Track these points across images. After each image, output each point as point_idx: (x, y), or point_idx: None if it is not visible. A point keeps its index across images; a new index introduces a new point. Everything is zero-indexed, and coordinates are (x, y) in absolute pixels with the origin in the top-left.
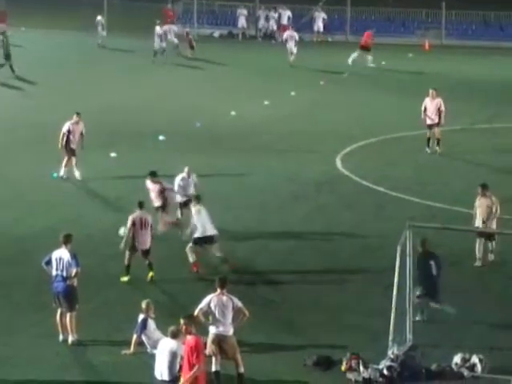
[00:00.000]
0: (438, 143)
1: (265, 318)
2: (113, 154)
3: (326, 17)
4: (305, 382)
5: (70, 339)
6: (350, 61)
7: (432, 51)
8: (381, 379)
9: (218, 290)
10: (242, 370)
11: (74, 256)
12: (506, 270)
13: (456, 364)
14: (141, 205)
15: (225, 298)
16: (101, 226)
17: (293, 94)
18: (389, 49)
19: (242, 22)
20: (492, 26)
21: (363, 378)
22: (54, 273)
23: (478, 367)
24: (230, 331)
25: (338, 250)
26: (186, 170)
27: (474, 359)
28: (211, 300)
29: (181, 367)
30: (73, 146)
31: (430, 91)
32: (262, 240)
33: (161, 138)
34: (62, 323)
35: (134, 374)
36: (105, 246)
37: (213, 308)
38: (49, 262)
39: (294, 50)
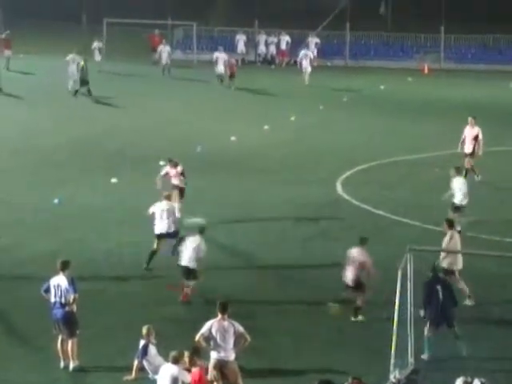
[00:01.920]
0: (473, 171)
1: (266, 344)
2: (113, 180)
3: (319, 41)
4: None
5: (72, 365)
6: None
7: (431, 75)
8: None
9: (219, 315)
10: None
11: (71, 282)
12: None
13: None
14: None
15: (226, 322)
16: (103, 250)
17: (292, 118)
18: (388, 73)
19: (241, 47)
20: (491, 50)
21: None
22: (52, 300)
23: None
24: (232, 356)
25: (339, 274)
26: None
27: (477, 382)
28: (212, 325)
29: None
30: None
31: (469, 119)
32: (262, 265)
33: (162, 163)
34: (62, 350)
35: None
36: (106, 269)
37: (214, 333)
38: (48, 290)
39: (309, 69)
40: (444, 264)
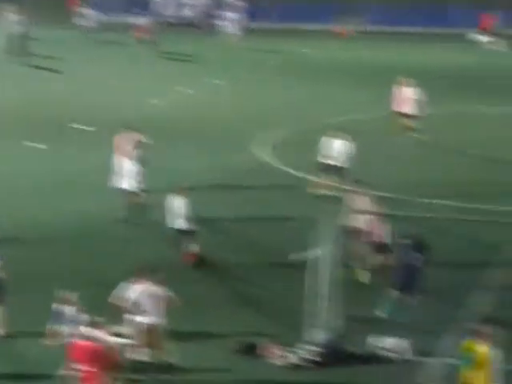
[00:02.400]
0: (411, 130)
1: (191, 307)
2: (30, 144)
3: (245, 4)
4: (228, 369)
5: (1, 332)
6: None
7: (356, 38)
8: (307, 364)
9: (146, 279)
10: (169, 358)
11: None
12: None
13: (384, 348)
14: None
15: (153, 287)
16: (31, 215)
17: (217, 82)
18: (313, 36)
19: (162, 8)
20: (415, 12)
21: (287, 363)
22: None
23: (405, 350)
24: (158, 320)
25: (262, 237)
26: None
27: (402, 343)
28: (139, 289)
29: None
30: None
31: (404, 80)
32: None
33: (78, 126)
34: None
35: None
36: (33, 235)
37: (141, 297)
38: None
39: (235, 32)
40: (349, 222)
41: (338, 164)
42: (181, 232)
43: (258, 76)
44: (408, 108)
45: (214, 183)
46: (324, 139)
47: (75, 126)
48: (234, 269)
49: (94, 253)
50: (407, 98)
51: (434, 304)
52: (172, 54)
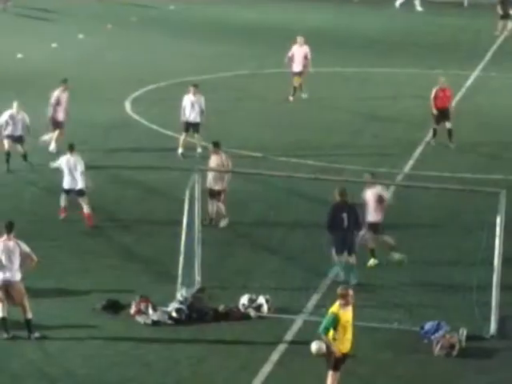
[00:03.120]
0: (300, 88)
1: (53, 263)
2: None
3: None
4: (93, 326)
5: None
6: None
7: None
8: (169, 321)
9: (5, 236)
10: (29, 315)
11: None
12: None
13: (243, 305)
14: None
15: (11, 243)
16: None
17: (80, 36)
18: None
19: None
20: None
21: (152, 321)
22: None
23: (265, 308)
24: (17, 277)
25: (124, 193)
26: (14, 105)
27: (261, 300)
28: None
29: None
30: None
31: (298, 38)
32: (47, 178)
33: None
34: None
35: None
36: None
37: None
38: None
39: None
40: (209, 184)
41: (196, 121)
42: (73, 192)
43: (122, 31)
44: (298, 66)
45: (76, 136)
46: (184, 97)
47: None
48: (96, 222)
49: None
50: (298, 55)
51: (293, 266)
52: (32, 8)
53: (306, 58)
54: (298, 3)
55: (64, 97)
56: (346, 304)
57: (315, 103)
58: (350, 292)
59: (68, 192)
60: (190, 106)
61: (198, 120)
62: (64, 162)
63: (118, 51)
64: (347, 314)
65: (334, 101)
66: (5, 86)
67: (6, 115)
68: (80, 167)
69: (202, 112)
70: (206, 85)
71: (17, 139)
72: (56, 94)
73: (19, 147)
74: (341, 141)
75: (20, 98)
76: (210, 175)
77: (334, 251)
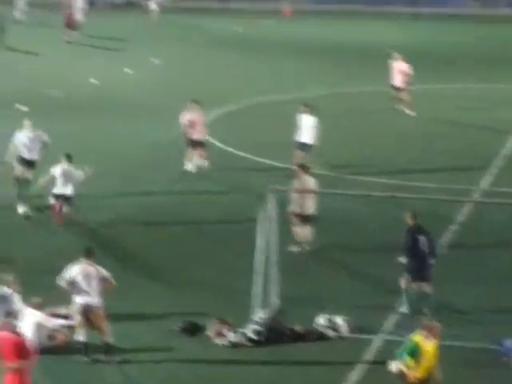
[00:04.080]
0: (408, 106)
1: (130, 287)
2: None
3: None
4: (172, 349)
5: None
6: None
7: (294, 16)
8: (247, 343)
9: (84, 260)
10: (109, 339)
11: None
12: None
13: (321, 325)
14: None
15: (90, 267)
16: None
17: (154, 60)
18: (250, 15)
19: None
20: None
21: (230, 343)
22: None
23: (343, 328)
24: (97, 301)
25: (203, 215)
26: (27, 124)
27: (339, 320)
28: (76, 270)
29: (49, 338)
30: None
31: (395, 55)
32: (124, 207)
33: (19, 107)
34: None
35: None
36: None
37: (78, 278)
38: None
39: (156, 8)
40: (294, 208)
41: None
42: (61, 197)
43: (189, 53)
44: (398, 81)
45: (143, 161)
46: (299, 117)
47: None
48: (165, 246)
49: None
50: (398, 71)
51: (371, 285)
52: (105, 33)
53: (403, 73)
54: (379, 21)
55: (195, 116)
56: (430, 336)
57: (394, 117)
58: (436, 326)
59: (58, 197)
60: (303, 127)
61: (307, 141)
62: (58, 171)
63: (190, 73)
64: (429, 346)
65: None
66: (77, 109)
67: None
68: (75, 177)
69: (311, 133)
70: (287, 104)
71: (30, 164)
72: (187, 114)
73: (29, 173)
74: (413, 156)
75: (92, 120)
76: (301, 199)
77: (406, 278)
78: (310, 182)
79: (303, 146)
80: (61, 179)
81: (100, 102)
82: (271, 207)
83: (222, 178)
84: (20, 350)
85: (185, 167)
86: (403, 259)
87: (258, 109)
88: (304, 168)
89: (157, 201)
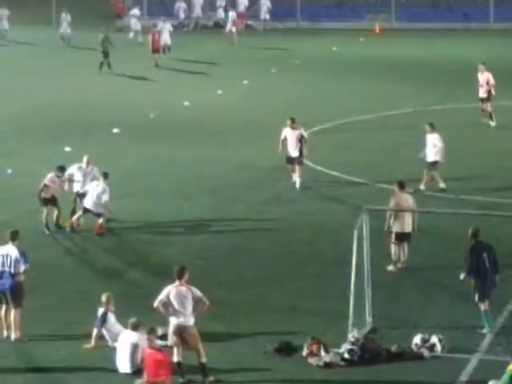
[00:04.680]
0: (490, 116)
1: (225, 307)
2: (67, 149)
3: (270, 5)
4: (266, 369)
5: (14, 336)
6: None
7: (382, 35)
8: (342, 363)
9: (177, 281)
10: (204, 359)
11: (22, 253)
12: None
13: (416, 344)
14: None
15: (184, 288)
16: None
17: (245, 82)
18: (339, 34)
19: (196, 11)
20: (441, 8)
21: (324, 363)
22: None
23: (438, 347)
24: (191, 321)
25: (294, 235)
26: (84, 159)
27: (434, 339)
28: (170, 291)
29: (141, 361)
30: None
31: (479, 66)
32: (216, 228)
33: (115, 130)
34: (5, 320)
35: (94, 367)
36: (60, 240)
37: (172, 299)
38: None
39: (233, 29)
40: (391, 226)
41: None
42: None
43: (286, 74)
44: (484, 93)
45: (240, 183)
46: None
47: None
48: (259, 265)
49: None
50: (483, 83)
51: (465, 303)
52: (198, 57)
53: (488, 83)
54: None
55: (290, 133)
56: None
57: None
58: None
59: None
60: (432, 146)
61: (437, 158)
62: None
63: (282, 94)
64: None
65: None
66: (174, 132)
67: (74, 168)
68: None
69: (436, 150)
70: (372, 123)
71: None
72: (284, 131)
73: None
74: (509, 174)
75: (185, 140)
76: (398, 217)
77: (477, 298)
78: (407, 200)
79: (431, 165)
80: (92, 196)
81: (191, 123)
82: (365, 226)
83: (314, 198)
84: (163, 366)
85: (293, 182)
86: (465, 277)
87: (350, 127)
88: (401, 185)
89: (246, 223)
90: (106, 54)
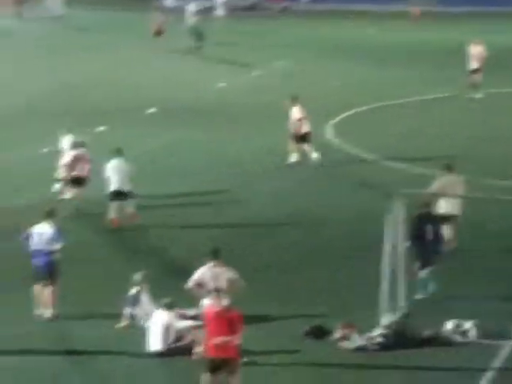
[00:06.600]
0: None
1: (258, 289)
2: (102, 128)
3: None
4: (298, 351)
5: (49, 314)
6: None
7: (423, 18)
8: (373, 347)
9: (212, 262)
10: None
11: (58, 231)
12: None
13: (449, 330)
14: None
15: (219, 269)
16: (91, 202)
17: (280, 63)
18: (378, 17)
19: None
20: None
21: (357, 347)
22: (34, 247)
23: (471, 333)
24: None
25: (327, 220)
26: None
27: (467, 325)
28: (205, 271)
29: (177, 339)
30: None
31: (474, 40)
32: (246, 210)
33: (151, 110)
34: (41, 298)
35: (126, 346)
36: (94, 221)
37: (207, 279)
38: (28, 237)
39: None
40: (440, 209)
41: None
42: (118, 194)
43: (322, 58)
44: (476, 63)
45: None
46: None
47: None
48: (293, 250)
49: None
50: (475, 54)
51: (500, 289)
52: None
53: (481, 56)
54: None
55: (297, 111)
56: None
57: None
58: None
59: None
60: None
61: None
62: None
63: (318, 77)
64: None
65: None
66: (207, 114)
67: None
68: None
69: None
70: (405, 108)
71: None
72: (294, 110)
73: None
74: None
75: (218, 125)
76: (443, 199)
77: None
78: (456, 182)
79: None
80: (116, 175)
81: (227, 106)
82: (399, 210)
83: (346, 181)
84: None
85: (291, 160)
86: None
87: (382, 112)
88: (449, 167)
89: (279, 203)
90: (200, 36)
